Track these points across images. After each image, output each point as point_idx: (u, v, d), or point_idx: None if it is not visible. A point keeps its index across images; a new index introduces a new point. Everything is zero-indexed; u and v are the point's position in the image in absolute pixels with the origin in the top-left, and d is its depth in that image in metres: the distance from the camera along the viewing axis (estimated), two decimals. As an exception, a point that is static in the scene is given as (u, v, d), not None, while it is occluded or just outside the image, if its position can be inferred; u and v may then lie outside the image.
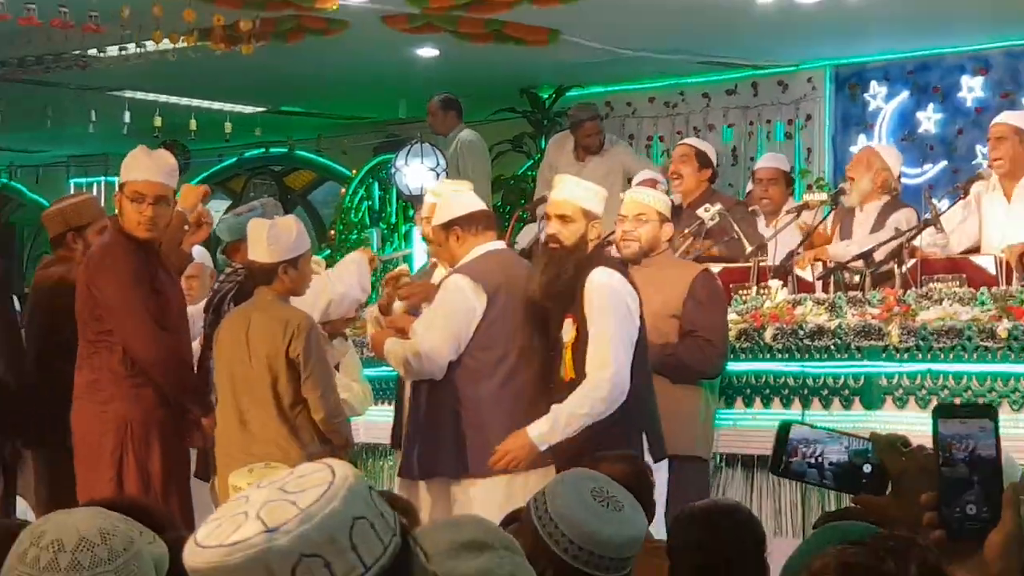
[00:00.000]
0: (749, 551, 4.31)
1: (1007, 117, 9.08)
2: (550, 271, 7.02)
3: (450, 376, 7.20)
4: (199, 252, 8.57)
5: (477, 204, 7.51)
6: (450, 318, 7.20)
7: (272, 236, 7.24)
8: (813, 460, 2.64)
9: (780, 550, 4.34)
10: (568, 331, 6.95)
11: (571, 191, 7.15)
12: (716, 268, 8.70)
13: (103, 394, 7.15)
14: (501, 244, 7.67)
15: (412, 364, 7.18)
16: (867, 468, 2.63)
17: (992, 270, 8.09)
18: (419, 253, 11.67)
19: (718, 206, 9.23)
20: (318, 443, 7.18)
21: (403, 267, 8.41)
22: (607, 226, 7.81)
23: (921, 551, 2.23)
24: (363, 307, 8.55)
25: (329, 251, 14.22)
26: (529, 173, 14.35)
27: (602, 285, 6.91)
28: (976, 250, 8.66)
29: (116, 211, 7.35)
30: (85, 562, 2.68)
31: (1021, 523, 2.47)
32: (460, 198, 7.53)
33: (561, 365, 6.97)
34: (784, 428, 2.66)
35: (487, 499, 6.93)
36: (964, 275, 8.07)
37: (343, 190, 15.14)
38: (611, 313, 6.87)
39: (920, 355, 7.56)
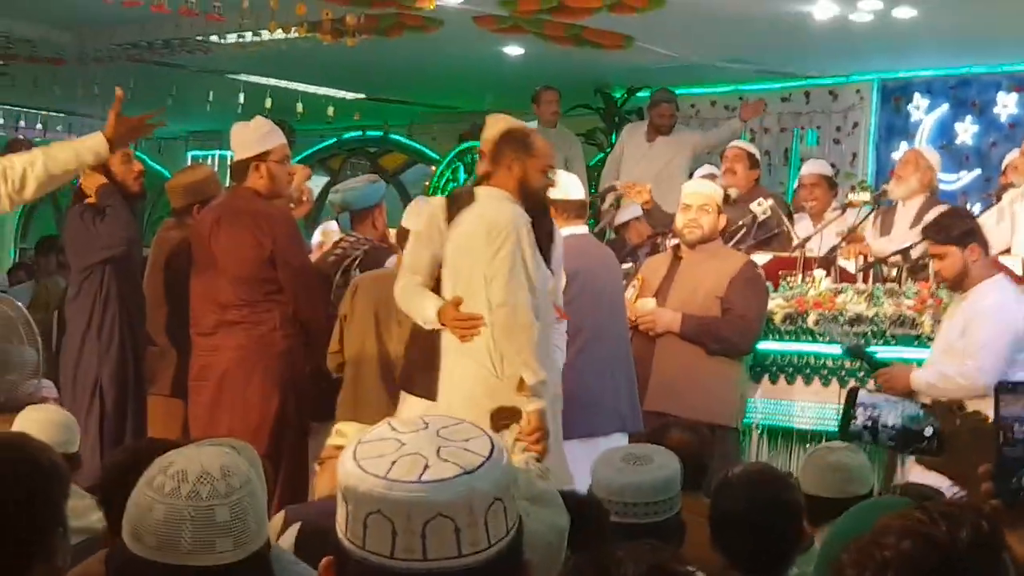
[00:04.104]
0: (790, 519, 4.25)
1: None
2: None
3: None
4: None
5: (578, 193, 7.48)
6: None
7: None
8: (870, 423, 2.64)
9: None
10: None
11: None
12: (766, 257, 8.69)
13: (274, 348, 7.06)
14: (584, 229, 7.63)
15: None
16: (928, 431, 2.62)
17: (1019, 271, 8.02)
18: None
19: (770, 201, 9.21)
20: None
21: None
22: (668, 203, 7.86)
23: (975, 518, 2.20)
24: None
25: (417, 227, 14.25)
26: (600, 165, 14.33)
27: None
28: (1007, 252, 8.59)
29: (249, 179, 7.15)
30: (203, 493, 2.69)
31: None
32: (567, 183, 7.39)
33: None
34: (852, 392, 2.65)
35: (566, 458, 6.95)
36: (991, 274, 8.00)
37: (432, 171, 15.18)
38: None
39: (949, 344, 7.51)
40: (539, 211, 6.20)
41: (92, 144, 6.22)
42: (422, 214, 7.12)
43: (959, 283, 6.83)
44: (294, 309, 7.08)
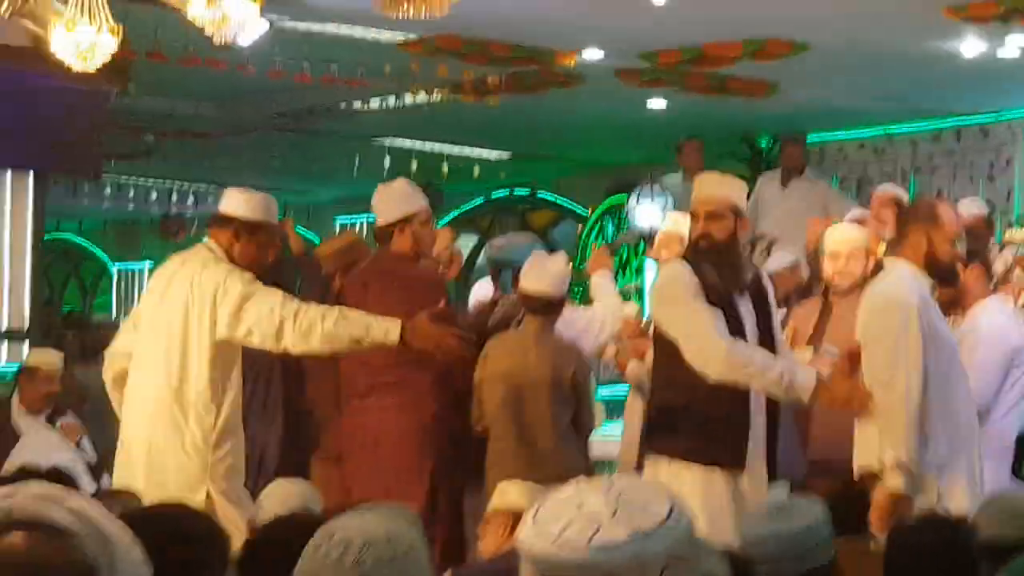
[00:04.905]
0: (966, 565, 4.16)
1: None
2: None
3: None
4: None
5: None
6: None
7: (565, 274, 7.29)
8: None
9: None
10: None
11: (718, 188, 6.56)
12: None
13: (427, 409, 7.08)
14: None
15: None
16: None
17: None
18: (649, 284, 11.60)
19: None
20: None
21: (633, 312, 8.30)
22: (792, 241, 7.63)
23: None
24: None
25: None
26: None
27: None
28: None
29: (394, 243, 7.17)
30: (368, 560, 2.72)
31: None
32: None
33: None
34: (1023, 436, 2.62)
35: None
36: None
37: (580, 227, 15.17)
38: None
39: None
40: (949, 280, 6.31)
41: (384, 327, 6.12)
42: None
43: (958, 301, 6.80)
44: (446, 370, 7.11)
